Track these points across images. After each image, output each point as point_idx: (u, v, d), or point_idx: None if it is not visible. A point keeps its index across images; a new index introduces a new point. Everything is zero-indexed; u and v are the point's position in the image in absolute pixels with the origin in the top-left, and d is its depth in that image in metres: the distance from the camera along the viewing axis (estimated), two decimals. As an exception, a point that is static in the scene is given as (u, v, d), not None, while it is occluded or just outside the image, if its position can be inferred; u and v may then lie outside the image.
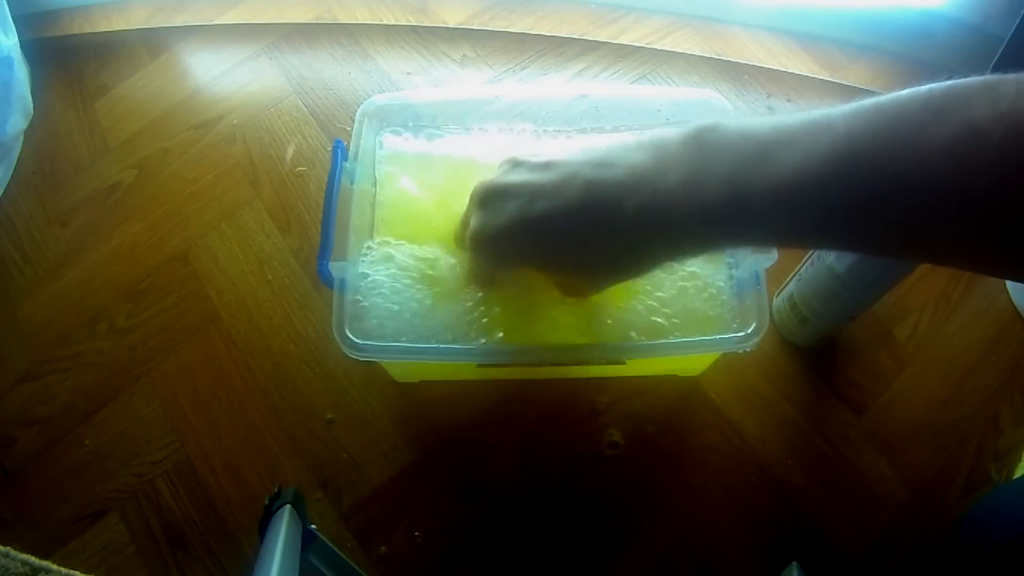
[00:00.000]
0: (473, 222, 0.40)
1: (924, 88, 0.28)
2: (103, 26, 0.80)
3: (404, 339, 0.46)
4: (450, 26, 0.77)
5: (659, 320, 0.48)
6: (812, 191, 0.29)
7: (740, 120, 0.33)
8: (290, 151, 0.65)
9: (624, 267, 0.38)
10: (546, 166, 0.37)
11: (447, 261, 0.49)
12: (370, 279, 0.48)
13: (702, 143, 0.33)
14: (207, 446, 0.59)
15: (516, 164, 0.39)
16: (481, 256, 0.42)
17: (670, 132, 0.35)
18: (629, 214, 0.33)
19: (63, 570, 0.36)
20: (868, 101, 0.29)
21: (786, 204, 0.29)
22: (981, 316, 0.61)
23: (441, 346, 0.46)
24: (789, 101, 0.71)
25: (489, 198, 0.40)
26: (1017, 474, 0.55)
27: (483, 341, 0.46)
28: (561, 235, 0.37)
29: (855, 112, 0.29)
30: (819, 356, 0.60)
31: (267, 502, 0.46)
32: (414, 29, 0.77)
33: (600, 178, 0.35)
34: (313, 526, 0.47)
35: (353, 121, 0.51)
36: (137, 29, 0.79)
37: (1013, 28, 0.58)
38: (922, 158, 0.26)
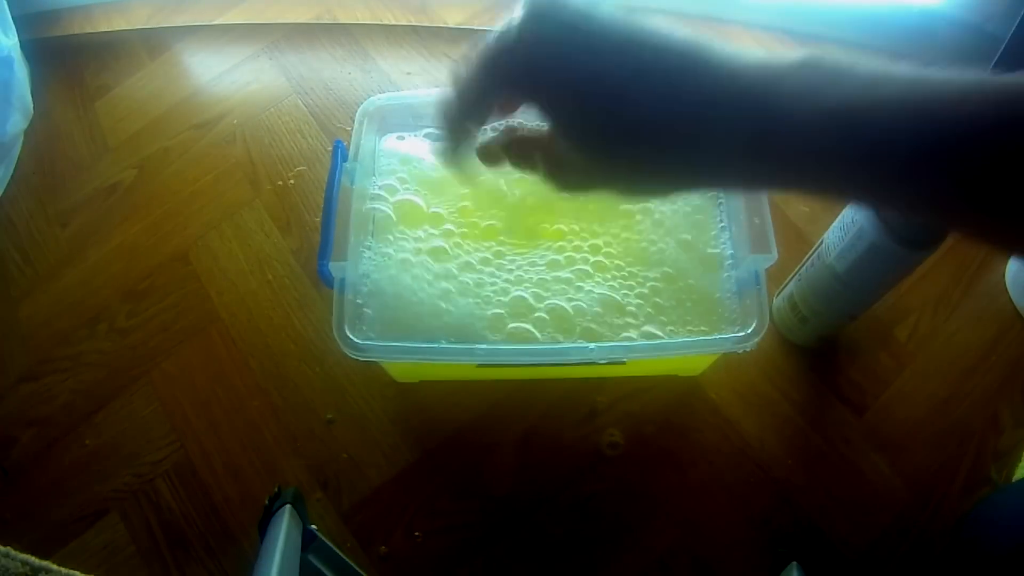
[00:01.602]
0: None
1: None
2: (103, 26, 0.80)
3: (404, 339, 0.46)
4: (450, 26, 0.77)
5: (660, 319, 0.48)
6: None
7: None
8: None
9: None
10: None
11: (447, 259, 0.49)
12: (370, 279, 0.48)
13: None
14: (207, 446, 0.59)
15: None
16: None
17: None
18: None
19: (63, 570, 0.36)
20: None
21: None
22: (981, 316, 0.61)
23: (441, 346, 0.46)
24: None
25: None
26: (1017, 474, 0.55)
27: (485, 342, 0.46)
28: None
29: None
30: (819, 356, 0.60)
31: (267, 502, 0.46)
32: (414, 29, 0.77)
33: None
34: (313, 526, 0.48)
35: (353, 121, 0.51)
36: (137, 29, 0.79)
37: (1013, 28, 0.58)
38: None
